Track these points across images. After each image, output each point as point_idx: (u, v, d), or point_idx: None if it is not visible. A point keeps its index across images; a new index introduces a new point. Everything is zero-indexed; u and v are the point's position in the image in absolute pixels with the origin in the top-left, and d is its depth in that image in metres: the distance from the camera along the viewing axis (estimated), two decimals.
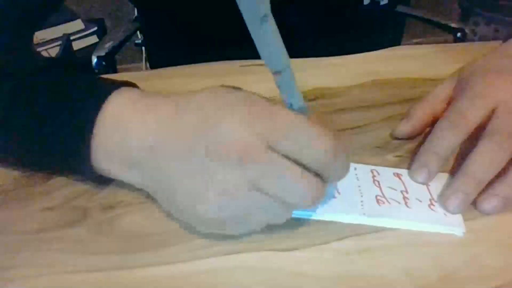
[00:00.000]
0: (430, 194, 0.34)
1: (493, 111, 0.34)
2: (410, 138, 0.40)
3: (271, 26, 0.24)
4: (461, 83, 0.38)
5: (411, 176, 0.36)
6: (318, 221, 0.32)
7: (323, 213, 0.32)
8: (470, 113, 0.35)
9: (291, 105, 0.28)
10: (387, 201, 0.33)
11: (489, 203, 0.33)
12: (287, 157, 0.26)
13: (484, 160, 0.33)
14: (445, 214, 0.32)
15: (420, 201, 0.33)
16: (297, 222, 0.31)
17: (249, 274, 0.28)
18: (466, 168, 0.33)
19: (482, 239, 0.31)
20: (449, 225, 0.32)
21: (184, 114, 0.29)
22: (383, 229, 0.31)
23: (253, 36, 0.24)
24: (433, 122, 0.38)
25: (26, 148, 0.33)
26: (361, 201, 0.33)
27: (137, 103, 0.31)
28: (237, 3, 0.22)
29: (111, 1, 1.83)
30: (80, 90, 0.32)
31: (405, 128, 0.40)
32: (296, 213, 0.32)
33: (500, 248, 0.30)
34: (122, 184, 0.34)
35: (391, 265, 0.29)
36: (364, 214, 0.32)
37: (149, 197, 0.34)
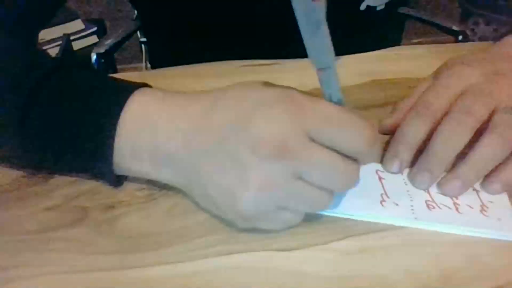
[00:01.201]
0: (481, 200, 0.34)
1: (459, 96, 0.35)
2: (393, 133, 0.40)
3: (325, 30, 0.25)
4: (436, 76, 0.39)
5: (383, 166, 0.36)
6: (321, 221, 0.32)
7: (375, 217, 0.32)
8: (435, 102, 0.36)
9: (330, 97, 0.29)
10: (437, 206, 0.33)
11: (450, 184, 0.34)
12: (326, 146, 0.27)
13: (444, 139, 0.34)
14: (499, 219, 0.32)
15: (471, 207, 0.33)
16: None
17: (249, 274, 0.28)
18: (429, 148, 0.34)
19: (482, 239, 0.31)
20: (505, 231, 0.31)
21: (216, 111, 0.29)
22: (383, 229, 0.31)
23: (305, 37, 0.25)
24: None
25: (44, 148, 0.32)
26: (411, 206, 0.33)
27: (163, 101, 0.31)
28: (294, 9, 0.23)
29: (111, 1, 1.83)
30: (101, 89, 0.32)
31: (388, 122, 0.40)
32: (348, 214, 0.32)
33: (500, 248, 0.30)
34: (122, 184, 0.34)
35: (391, 265, 0.29)
36: (416, 218, 0.32)
37: (149, 197, 0.34)
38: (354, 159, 0.28)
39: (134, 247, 0.30)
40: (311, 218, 0.32)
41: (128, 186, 0.34)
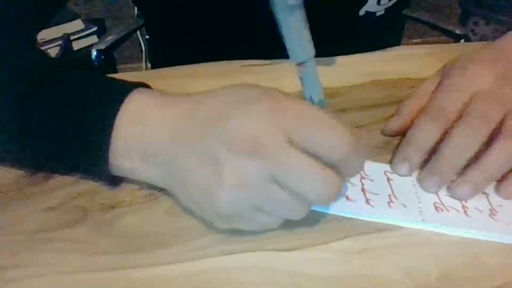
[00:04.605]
0: (490, 204, 0.33)
1: (471, 100, 0.35)
2: (399, 135, 0.40)
3: (301, 16, 0.24)
4: (445, 76, 0.39)
5: (393, 169, 0.36)
6: (321, 221, 0.32)
7: (382, 218, 0.32)
8: (449, 106, 0.35)
9: (311, 98, 0.28)
10: (446, 208, 0.33)
11: (461, 189, 0.33)
12: (305, 151, 0.26)
13: (456, 144, 0.33)
14: (508, 224, 0.32)
15: (480, 211, 0.33)
16: (297, 222, 0.31)
17: (249, 274, 0.28)
18: (441, 152, 0.34)
19: (482, 239, 0.31)
20: None
21: (201, 108, 0.29)
22: (383, 229, 0.31)
23: (280, 24, 0.24)
24: None
25: (42, 147, 0.33)
26: (419, 207, 0.33)
27: (157, 100, 0.31)
28: None
29: (111, 1, 1.83)
30: (98, 91, 0.32)
31: (394, 124, 0.40)
32: (355, 214, 0.32)
33: (500, 248, 0.30)
34: (122, 184, 0.34)
35: (391, 265, 0.29)
36: (423, 220, 0.32)
37: (149, 197, 0.34)
38: (336, 171, 0.27)
39: (134, 247, 0.30)
40: (311, 218, 0.32)
41: (128, 186, 0.34)
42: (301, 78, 0.27)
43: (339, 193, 0.27)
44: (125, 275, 0.28)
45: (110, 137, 0.30)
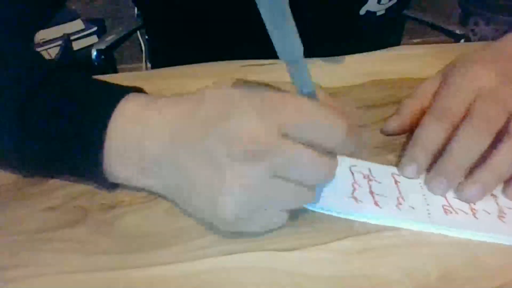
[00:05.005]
0: (499, 206, 0.33)
1: (475, 100, 0.35)
2: (399, 134, 0.40)
3: (289, 20, 0.24)
4: (447, 76, 0.39)
5: (400, 170, 0.36)
6: (321, 221, 0.32)
7: (390, 220, 0.32)
8: (454, 106, 0.35)
9: (301, 91, 0.28)
10: (454, 211, 0.33)
11: (469, 189, 0.33)
12: (302, 142, 0.27)
13: (462, 144, 0.33)
14: None
15: (489, 213, 0.33)
16: (297, 222, 0.31)
17: (249, 274, 0.28)
18: (447, 152, 0.34)
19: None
20: None
21: (201, 108, 0.29)
22: (382, 229, 0.31)
23: (269, 28, 0.24)
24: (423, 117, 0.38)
25: (39, 151, 0.32)
26: (428, 210, 0.33)
27: (157, 100, 0.31)
28: None
29: (111, 1, 1.83)
30: (98, 89, 0.32)
31: (394, 123, 0.40)
32: (364, 217, 0.32)
33: (500, 248, 0.30)
34: (122, 184, 0.34)
35: (391, 265, 0.29)
36: (432, 223, 0.32)
37: (149, 197, 0.34)
38: (332, 152, 0.28)
39: (134, 247, 0.30)
40: (311, 218, 0.32)
41: (128, 186, 0.34)
42: (291, 75, 0.27)
43: (334, 172, 0.29)
44: (125, 275, 0.28)
45: (105, 136, 0.30)
